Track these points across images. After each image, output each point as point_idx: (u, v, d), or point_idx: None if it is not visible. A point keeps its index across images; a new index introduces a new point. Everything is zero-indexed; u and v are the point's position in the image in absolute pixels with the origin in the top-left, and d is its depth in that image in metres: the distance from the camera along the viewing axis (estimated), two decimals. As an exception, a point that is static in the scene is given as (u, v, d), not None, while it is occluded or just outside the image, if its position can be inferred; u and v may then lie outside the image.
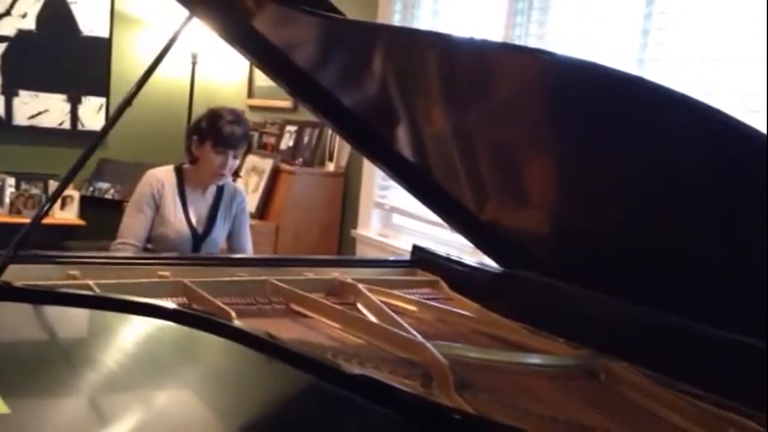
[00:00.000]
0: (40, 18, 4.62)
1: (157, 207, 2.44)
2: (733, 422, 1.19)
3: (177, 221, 2.46)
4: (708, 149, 1.09)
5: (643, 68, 2.39)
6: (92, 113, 4.83)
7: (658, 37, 2.40)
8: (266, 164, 3.86)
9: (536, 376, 1.38)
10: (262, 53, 1.70)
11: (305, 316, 1.61)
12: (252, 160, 3.98)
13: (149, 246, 2.44)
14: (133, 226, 2.42)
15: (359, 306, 1.69)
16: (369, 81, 1.71)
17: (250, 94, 4.82)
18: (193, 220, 2.49)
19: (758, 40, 2.11)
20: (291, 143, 4.09)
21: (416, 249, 2.15)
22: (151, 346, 1.29)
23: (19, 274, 1.40)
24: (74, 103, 4.79)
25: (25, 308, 1.29)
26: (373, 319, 1.56)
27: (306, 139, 4.02)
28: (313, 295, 1.66)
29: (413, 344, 1.36)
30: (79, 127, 4.82)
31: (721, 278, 1.26)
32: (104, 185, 4.79)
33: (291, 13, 1.48)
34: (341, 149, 3.85)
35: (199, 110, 4.83)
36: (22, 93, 4.65)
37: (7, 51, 4.57)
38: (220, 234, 2.54)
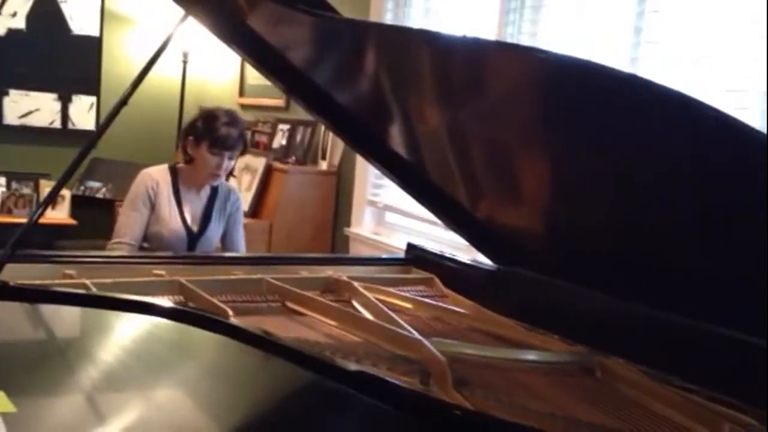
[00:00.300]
0: (30, 17, 4.60)
1: (153, 206, 2.44)
2: (729, 417, 1.20)
3: (172, 220, 2.46)
4: (704, 147, 1.09)
5: (635, 67, 2.40)
6: (83, 112, 4.81)
7: (651, 36, 2.41)
8: (259, 163, 3.86)
9: (533, 373, 1.39)
10: (257, 52, 1.70)
11: (301, 314, 1.61)
12: (245, 158, 3.97)
13: (145, 245, 2.44)
14: (128, 225, 2.41)
15: (355, 304, 1.70)
16: (363, 79, 1.71)
17: (242, 92, 4.81)
18: (188, 219, 2.49)
19: (750, 38, 2.13)
20: (284, 142, 4.09)
21: (410, 247, 2.16)
22: (149, 344, 1.29)
23: (15, 274, 1.39)
24: (65, 102, 4.77)
25: (23, 307, 1.29)
26: (369, 316, 1.57)
27: (299, 137, 4.02)
28: (309, 293, 1.67)
29: (411, 341, 1.36)
30: (70, 126, 4.80)
31: (720, 276, 1.26)
32: (95, 184, 4.78)
33: (286, 11, 1.49)
34: (334, 147, 3.86)
35: (190, 109, 4.87)
36: (13, 92, 4.63)
37: (-3, 49, 4.55)
38: (215, 233, 2.55)
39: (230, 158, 2.46)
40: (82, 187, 4.76)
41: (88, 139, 1.51)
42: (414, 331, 1.40)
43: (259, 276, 1.74)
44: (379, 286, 1.80)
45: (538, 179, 1.64)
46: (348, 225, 3.77)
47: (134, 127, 4.60)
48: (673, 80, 2.21)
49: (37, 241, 1.86)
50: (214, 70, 4.97)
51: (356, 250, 3.66)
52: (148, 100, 4.54)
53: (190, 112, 4.87)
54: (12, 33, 4.56)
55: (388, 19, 3.49)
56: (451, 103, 1.55)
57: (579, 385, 1.36)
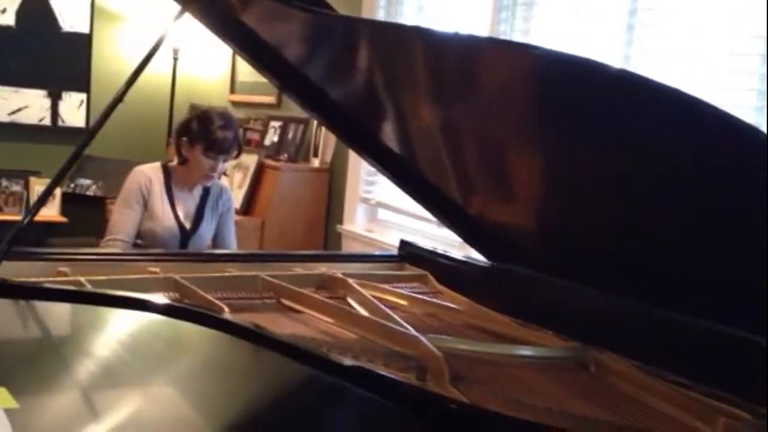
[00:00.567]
0: (20, 14, 4.57)
1: (146, 203, 2.44)
2: (723, 411, 1.21)
3: (165, 217, 2.45)
4: (701, 144, 1.10)
5: (628, 64, 2.41)
6: (73, 109, 4.79)
7: (644, 33, 2.43)
8: (251, 160, 3.85)
9: (528, 368, 1.39)
10: (252, 48, 1.70)
11: (297, 311, 1.61)
12: (236, 155, 3.97)
13: (138, 242, 2.44)
14: (122, 223, 2.41)
15: (350, 301, 1.70)
16: (356, 75, 1.72)
17: (233, 89, 4.80)
18: (181, 217, 2.49)
19: (744, 35, 2.14)
20: (275, 139, 4.09)
21: (404, 244, 2.16)
22: (144, 341, 1.29)
23: (9, 271, 1.39)
24: (54, 99, 4.75)
25: (19, 304, 1.28)
26: (365, 313, 1.57)
27: (291, 134, 4.01)
28: (304, 290, 1.67)
29: (407, 338, 1.37)
30: (60, 123, 4.78)
31: (719, 274, 1.27)
32: (86, 182, 4.75)
33: (281, 7, 1.49)
34: (326, 145, 3.85)
35: (180, 106, 4.85)
36: (2, 89, 4.60)
37: (-14, 46, 4.52)
38: (207, 231, 2.54)
39: (224, 161, 2.47)
40: (73, 185, 4.74)
41: (82, 137, 1.50)
42: (410, 328, 1.41)
43: (253, 273, 1.74)
44: (373, 282, 1.81)
45: (532, 176, 1.65)
46: (340, 222, 3.77)
47: (124, 125, 4.57)
48: (666, 78, 2.21)
49: (28, 238, 1.85)
50: (204, 67, 4.96)
51: (349, 248, 3.66)
52: (138, 98, 4.50)
53: (181, 109, 4.87)
54: (1, 30, 4.53)
55: (381, 16, 3.49)
56: (445, 99, 1.56)
57: (574, 380, 1.37)
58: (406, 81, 1.59)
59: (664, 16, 2.37)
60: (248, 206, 3.79)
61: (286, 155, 3.93)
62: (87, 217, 4.61)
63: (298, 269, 1.89)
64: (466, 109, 1.54)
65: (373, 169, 3.59)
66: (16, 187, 4.58)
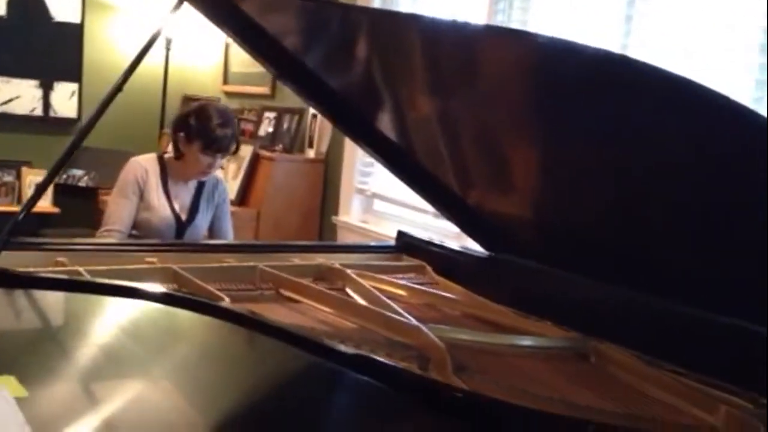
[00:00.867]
0: (11, 4, 4.54)
1: (142, 194, 2.43)
2: (723, 400, 1.21)
3: (161, 208, 2.44)
4: (702, 131, 1.10)
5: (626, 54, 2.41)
6: (64, 99, 4.76)
7: (642, 23, 2.42)
8: (246, 151, 3.83)
9: (528, 358, 1.39)
10: (250, 36, 1.69)
11: (296, 301, 1.61)
12: (230, 146, 3.96)
13: (134, 232, 2.43)
14: (118, 213, 2.40)
15: (349, 291, 1.70)
16: (353, 63, 1.71)
17: (226, 80, 4.78)
18: (177, 208, 2.48)
19: (742, 27, 2.14)
20: (270, 130, 4.08)
21: (401, 234, 2.16)
22: (144, 329, 1.29)
23: (7, 262, 1.38)
24: (46, 89, 4.72)
25: (18, 294, 1.27)
26: (365, 303, 1.57)
27: (286, 125, 4.00)
28: (303, 281, 1.66)
29: (408, 328, 1.36)
30: (51, 114, 4.75)
31: (719, 265, 1.27)
32: (78, 173, 4.73)
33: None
34: (321, 135, 3.85)
35: (173, 97, 4.83)
36: (-7, 79, 4.57)
37: (-23, 37, 4.48)
38: (203, 221, 2.54)
39: (222, 157, 2.46)
40: (65, 176, 4.71)
41: (74, 127, 1.50)
42: (411, 318, 1.41)
43: (252, 264, 1.73)
44: (371, 273, 1.80)
45: (530, 166, 1.65)
46: (336, 213, 3.77)
47: (117, 115, 4.51)
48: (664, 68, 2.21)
49: (21, 230, 1.84)
50: (197, 58, 4.93)
51: (344, 238, 3.66)
52: (131, 88, 4.40)
53: (174, 100, 4.85)
54: (-8, 19, 4.50)
55: (377, 4, 3.48)
56: (442, 88, 1.56)
57: (575, 370, 1.37)
58: (403, 69, 1.59)
59: (662, 5, 2.37)
60: (243, 197, 3.78)
61: (281, 146, 3.92)
62: (79, 207, 4.60)
63: (296, 260, 1.88)
64: (463, 97, 1.54)
65: (368, 160, 3.60)
66: (8, 178, 4.56)
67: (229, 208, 2.67)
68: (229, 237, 2.62)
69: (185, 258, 1.74)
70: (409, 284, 1.80)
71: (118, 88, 1.46)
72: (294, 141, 3.93)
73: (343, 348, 1.13)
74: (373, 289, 1.63)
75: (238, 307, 1.34)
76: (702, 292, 1.33)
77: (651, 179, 1.31)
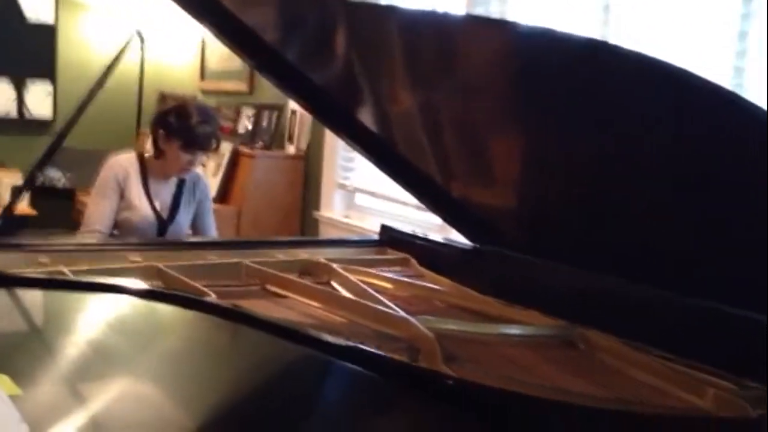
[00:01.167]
0: (-17, 4, 4.48)
1: (122, 193, 2.41)
2: (710, 383, 1.23)
3: (142, 207, 2.42)
4: (686, 115, 1.11)
5: (604, 44, 2.41)
6: (39, 100, 4.70)
7: (619, 12, 2.43)
8: (225, 148, 3.81)
9: (517, 347, 1.40)
10: (229, 29, 1.67)
11: (283, 296, 1.60)
12: (209, 144, 3.93)
13: (115, 232, 2.40)
14: (98, 213, 2.37)
15: (335, 285, 1.69)
16: (334, 55, 1.70)
17: (203, 77, 4.75)
18: (158, 206, 2.46)
19: (724, 17, 2.15)
20: (249, 126, 4.05)
21: (385, 228, 2.16)
22: (133, 326, 1.28)
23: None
24: (20, 89, 4.66)
25: (3, 294, 1.26)
26: (352, 297, 1.57)
27: (265, 122, 3.98)
28: (290, 276, 1.66)
29: (397, 320, 1.36)
30: (26, 115, 4.69)
31: (714, 252, 1.28)
32: (55, 174, 4.68)
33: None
34: (301, 131, 3.83)
35: (149, 94, 4.78)
36: (-33, 81, 4.51)
37: (-51, 38, 4.42)
38: (184, 219, 2.52)
39: (203, 155, 2.44)
40: (41, 177, 4.65)
41: (50, 128, 1.48)
42: (399, 310, 1.41)
43: (237, 260, 1.73)
44: (356, 267, 1.80)
45: (513, 156, 1.66)
46: (317, 209, 3.76)
47: (92, 114, 4.48)
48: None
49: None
50: (173, 54, 4.89)
51: (326, 234, 3.65)
52: (106, 86, 4.44)
53: (150, 98, 4.80)
54: (-36, 20, 4.43)
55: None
56: (423, 79, 1.56)
57: (564, 358, 1.38)
58: (383, 60, 1.58)
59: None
60: (224, 195, 3.76)
61: (260, 143, 3.90)
62: (57, 209, 4.54)
63: (280, 255, 1.87)
64: (445, 88, 1.54)
65: (349, 155, 3.59)
66: (-17, 180, 4.49)
67: (212, 205, 2.66)
68: (213, 234, 2.61)
69: (169, 256, 1.73)
70: (395, 277, 1.80)
71: (99, 86, 1.45)
72: (273, 137, 3.91)
73: (335, 339, 1.13)
74: (359, 283, 1.63)
75: (225, 302, 1.33)
76: (692, 279, 1.34)
77: (637, 166, 1.32)
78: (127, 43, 1.50)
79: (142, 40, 4.65)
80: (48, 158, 1.49)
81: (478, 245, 1.93)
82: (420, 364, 1.22)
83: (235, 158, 3.81)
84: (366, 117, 1.86)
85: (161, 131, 2.41)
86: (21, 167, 4.45)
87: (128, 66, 4.64)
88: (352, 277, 1.67)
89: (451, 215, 1.98)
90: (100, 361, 1.06)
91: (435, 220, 2.37)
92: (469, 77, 1.45)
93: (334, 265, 1.75)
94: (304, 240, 2.87)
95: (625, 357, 1.34)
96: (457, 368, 1.21)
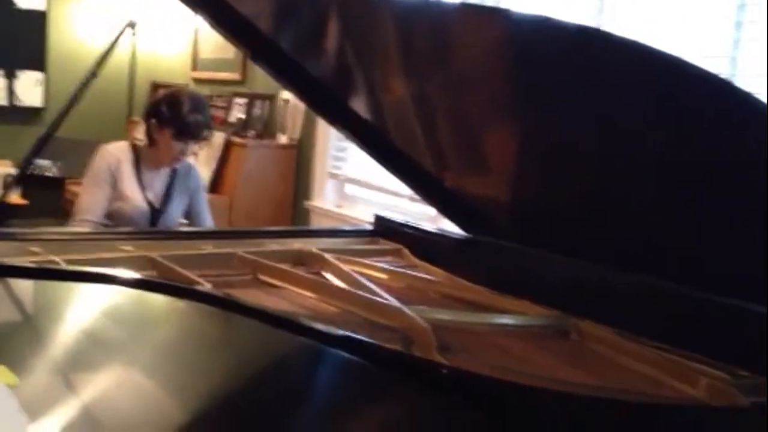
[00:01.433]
0: (-29, -9, 4.44)
1: (114, 182, 2.39)
2: (702, 372, 1.23)
3: (134, 197, 2.42)
4: (682, 104, 1.11)
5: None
6: (29, 88, 4.67)
7: (614, 1, 2.43)
8: (217, 138, 3.80)
9: (511, 337, 1.40)
10: (223, 18, 1.66)
11: (276, 287, 1.60)
12: (201, 133, 3.92)
13: (106, 222, 2.39)
14: (90, 203, 2.36)
15: (328, 276, 1.69)
16: (328, 44, 1.70)
17: (195, 66, 4.73)
18: (150, 196, 2.45)
19: (717, 5, 2.15)
20: (241, 116, 4.04)
21: (378, 218, 2.15)
22: (127, 316, 1.27)
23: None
24: (10, 78, 4.62)
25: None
26: (345, 287, 1.56)
27: (257, 111, 3.97)
28: (283, 266, 1.65)
29: (390, 310, 1.36)
30: (16, 103, 4.66)
31: (713, 243, 1.28)
32: (44, 163, 4.65)
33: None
34: (293, 121, 3.82)
35: (141, 84, 4.76)
36: (-45, 69, 4.47)
37: (-63, 25, 4.37)
38: (177, 209, 2.52)
39: (194, 144, 2.43)
40: (31, 166, 4.62)
41: (39, 117, 1.47)
42: (393, 300, 1.41)
43: (230, 250, 1.72)
44: (349, 257, 1.80)
45: (507, 145, 1.65)
46: (309, 198, 3.75)
47: (83, 103, 4.47)
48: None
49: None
50: (164, 44, 4.87)
51: (317, 224, 3.65)
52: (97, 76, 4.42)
53: (142, 87, 4.78)
54: (-47, 7, 4.39)
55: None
56: (417, 68, 1.55)
57: (557, 347, 1.38)
58: (377, 49, 1.58)
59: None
60: (215, 185, 3.75)
61: (252, 132, 3.89)
62: (46, 198, 4.52)
63: (273, 245, 1.87)
64: (439, 77, 1.53)
65: (342, 145, 3.59)
66: (-28, 170, 4.47)
67: (206, 195, 2.65)
68: (209, 224, 2.60)
69: (161, 246, 1.72)
70: (388, 267, 1.80)
71: (92, 76, 1.44)
72: (266, 127, 3.90)
73: (329, 329, 1.12)
74: (352, 273, 1.63)
75: (218, 291, 1.33)
76: (688, 269, 1.34)
77: (632, 155, 1.32)
78: (121, 32, 1.49)
79: (134, 30, 4.63)
80: (40, 149, 1.47)
81: (471, 235, 1.93)
82: (414, 353, 1.22)
83: (227, 148, 3.80)
84: (360, 106, 1.86)
85: (153, 120, 2.40)
86: (11, 157, 4.42)
87: (120, 55, 4.62)
88: (345, 267, 1.67)
89: (444, 205, 1.98)
90: (94, 351, 1.06)
91: (428, 210, 2.38)
92: (464, 66, 1.44)
93: (327, 255, 1.74)
94: (297, 230, 2.86)
95: (618, 347, 1.35)
96: (451, 358, 1.21)
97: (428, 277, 1.77)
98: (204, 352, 1.15)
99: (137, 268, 1.53)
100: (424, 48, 1.46)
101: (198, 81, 4.65)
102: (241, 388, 1.01)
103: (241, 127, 3.97)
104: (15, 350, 0.98)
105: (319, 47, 1.74)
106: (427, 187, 1.96)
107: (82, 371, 0.98)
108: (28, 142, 4.41)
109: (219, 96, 4.29)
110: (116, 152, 2.44)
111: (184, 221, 2.57)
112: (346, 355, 1.04)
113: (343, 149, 3.60)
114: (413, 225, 2.06)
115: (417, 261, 1.90)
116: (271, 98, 3.89)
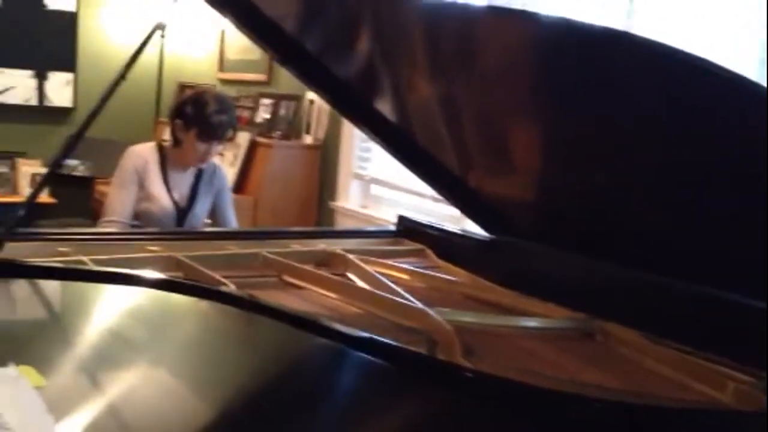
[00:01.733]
0: (4, -8, 4.51)
1: (141, 183, 2.42)
2: (730, 376, 1.22)
3: (161, 197, 2.44)
4: (709, 108, 1.09)
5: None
6: (59, 89, 4.73)
7: (644, 2, 2.40)
8: (243, 138, 3.82)
9: (536, 339, 1.40)
10: (249, 20, 1.68)
11: (300, 287, 1.61)
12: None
13: (134, 222, 2.42)
14: (118, 204, 2.39)
15: (352, 276, 1.70)
16: (354, 46, 1.70)
17: (222, 67, 4.76)
18: (176, 196, 2.48)
19: (744, 3, 2.12)
20: (267, 116, 4.06)
21: (401, 219, 2.16)
22: (152, 316, 1.28)
23: (11, 252, 1.37)
24: (41, 79, 4.69)
25: (26, 284, 1.27)
26: (369, 288, 1.57)
27: (283, 111, 3.99)
28: (308, 267, 1.66)
29: (414, 311, 1.36)
30: (46, 103, 4.73)
31: (725, 240, 1.27)
32: (73, 162, 4.71)
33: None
34: (319, 121, 3.83)
35: (168, 85, 4.80)
36: (-13, 69, 4.55)
37: (-30, 27, 4.45)
38: (202, 209, 2.54)
39: (218, 144, 2.45)
40: (60, 166, 4.69)
41: (69, 116, 1.49)
42: (417, 301, 1.41)
43: (255, 250, 1.73)
44: (373, 258, 1.80)
45: (531, 146, 1.65)
46: (333, 199, 3.76)
47: (111, 104, 4.51)
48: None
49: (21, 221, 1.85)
50: (192, 45, 4.91)
51: (342, 224, 3.66)
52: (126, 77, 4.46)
53: (169, 88, 4.82)
54: (-15, 9, 4.47)
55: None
56: (443, 69, 1.55)
57: (582, 350, 1.37)
58: (404, 51, 1.58)
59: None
60: (241, 184, 3.77)
61: (278, 132, 3.91)
62: (75, 197, 4.58)
63: (297, 246, 1.88)
64: (464, 78, 1.53)
65: (366, 145, 3.59)
66: (3, 168, 4.54)
67: (231, 195, 2.67)
68: (233, 224, 2.62)
69: (187, 246, 1.74)
70: (411, 268, 1.80)
71: (121, 78, 1.45)
72: (291, 127, 3.92)
73: (353, 330, 1.13)
74: (376, 274, 1.63)
75: (242, 293, 1.34)
76: (706, 268, 1.33)
77: (656, 157, 1.31)
78: (151, 33, 1.50)
79: (163, 31, 4.68)
80: (70, 149, 1.49)
81: (494, 236, 1.92)
82: (438, 356, 1.22)
83: (252, 148, 3.82)
84: (385, 107, 1.86)
85: (178, 121, 2.42)
86: (41, 156, 4.49)
87: (148, 56, 4.67)
88: (369, 268, 1.67)
89: (467, 206, 1.98)
90: (119, 351, 1.07)
91: (451, 211, 2.37)
92: (489, 68, 1.44)
93: (351, 256, 1.75)
94: (321, 230, 2.87)
95: (644, 349, 1.34)
96: (475, 361, 1.21)
97: (451, 278, 1.77)
98: (228, 352, 1.15)
99: (163, 268, 1.55)
100: (451, 49, 1.46)
101: (225, 82, 4.68)
102: (263, 389, 1.01)
103: (267, 127, 3.99)
104: (42, 351, 0.99)
105: (344, 49, 1.74)
106: (450, 188, 1.95)
107: (107, 371, 0.99)
108: (58, 142, 4.49)
109: (245, 96, 4.32)
110: (143, 153, 2.46)
111: (208, 221, 2.59)
112: (368, 357, 1.04)
113: (367, 150, 3.60)
114: (436, 226, 2.06)
115: (440, 262, 1.90)
116: (297, 99, 3.91)
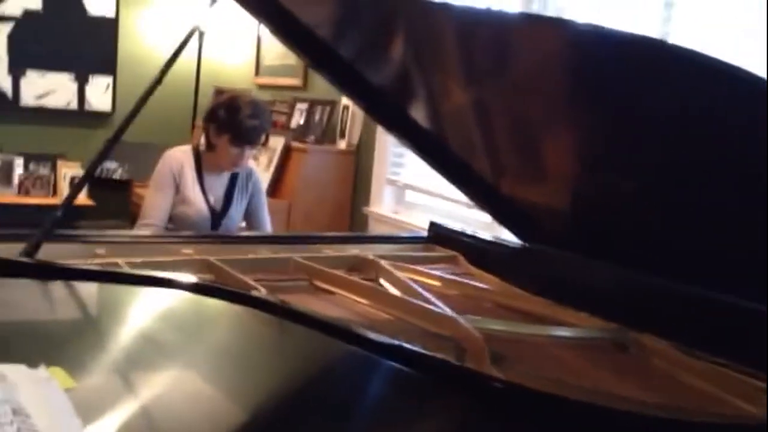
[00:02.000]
0: (47, -1, 4.61)
1: (177, 187, 2.45)
2: (765, 390, 1.19)
3: (196, 200, 2.47)
4: (748, 118, 1.07)
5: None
6: (99, 93, 4.82)
7: (683, 9, 2.37)
8: (277, 143, 3.85)
9: (567, 349, 1.38)
10: (284, 26, 1.69)
11: (331, 293, 1.61)
12: (262, 138, 3.98)
13: (169, 225, 2.45)
14: (154, 207, 2.42)
15: (383, 282, 1.70)
16: (388, 53, 1.70)
17: (258, 72, 4.80)
18: (211, 200, 2.50)
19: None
20: (302, 121, 4.09)
21: (433, 225, 2.15)
22: (184, 319, 1.29)
23: (48, 254, 1.40)
24: (81, 83, 4.78)
25: (61, 286, 1.29)
26: (400, 294, 1.56)
27: (317, 116, 4.01)
28: (338, 272, 1.66)
29: (444, 319, 1.36)
30: (86, 107, 4.82)
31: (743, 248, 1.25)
32: (111, 165, 4.79)
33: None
34: (353, 126, 3.85)
35: (205, 89, 4.86)
36: (30, 73, 4.64)
37: (13, 31, 4.55)
38: (237, 212, 2.56)
39: (252, 148, 2.47)
40: (99, 168, 4.77)
41: (108, 120, 1.51)
42: (446, 308, 1.40)
43: (286, 255, 1.74)
44: (404, 264, 1.80)
45: (565, 155, 1.63)
46: (367, 204, 3.77)
47: (149, 108, 4.54)
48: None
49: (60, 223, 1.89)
50: (229, 51, 4.96)
51: (375, 230, 3.66)
52: (164, 81, 4.52)
53: (206, 93, 4.88)
54: (28, 14, 4.57)
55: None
56: (477, 76, 1.54)
57: (614, 361, 1.35)
58: (437, 58, 1.58)
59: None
60: (275, 188, 3.80)
61: (312, 137, 3.93)
62: (113, 200, 4.66)
63: (329, 251, 1.89)
64: (498, 86, 1.52)
65: (400, 151, 3.59)
66: (44, 171, 4.63)
67: (265, 199, 2.69)
68: (267, 228, 2.64)
69: (220, 249, 1.76)
70: (442, 275, 1.79)
71: (158, 82, 1.47)
72: (325, 132, 3.94)
73: (380, 337, 1.13)
74: (407, 280, 1.63)
75: (273, 298, 1.34)
76: (731, 277, 1.31)
77: (692, 168, 1.29)
78: (189, 36, 1.52)
79: (201, 36, 4.74)
80: (108, 152, 1.52)
81: (527, 244, 1.91)
82: (467, 364, 1.21)
83: (287, 153, 3.84)
84: (418, 114, 1.86)
85: (212, 125, 2.45)
86: (81, 159, 4.57)
87: (185, 61, 4.73)
88: (400, 275, 1.67)
89: (500, 213, 1.97)
90: (151, 354, 1.08)
91: (484, 218, 2.36)
92: (523, 75, 1.43)
93: (383, 262, 1.75)
94: (353, 236, 2.87)
95: (678, 362, 1.31)
96: (505, 370, 1.20)
97: (483, 285, 1.76)
98: (258, 357, 1.16)
99: (196, 272, 1.57)
100: (483, 56, 1.45)
101: (261, 87, 4.72)
102: (293, 395, 1.02)
103: (302, 132, 4.02)
104: (74, 352, 1.00)
105: (378, 55, 1.74)
106: (482, 195, 1.94)
107: (138, 374, 1.00)
108: (97, 145, 4.56)
109: (281, 101, 4.35)
110: (179, 156, 2.49)
111: (243, 224, 2.61)
112: (397, 364, 1.04)
113: (401, 155, 3.60)
114: (468, 232, 2.05)
115: (472, 269, 1.89)
116: (331, 104, 3.93)
